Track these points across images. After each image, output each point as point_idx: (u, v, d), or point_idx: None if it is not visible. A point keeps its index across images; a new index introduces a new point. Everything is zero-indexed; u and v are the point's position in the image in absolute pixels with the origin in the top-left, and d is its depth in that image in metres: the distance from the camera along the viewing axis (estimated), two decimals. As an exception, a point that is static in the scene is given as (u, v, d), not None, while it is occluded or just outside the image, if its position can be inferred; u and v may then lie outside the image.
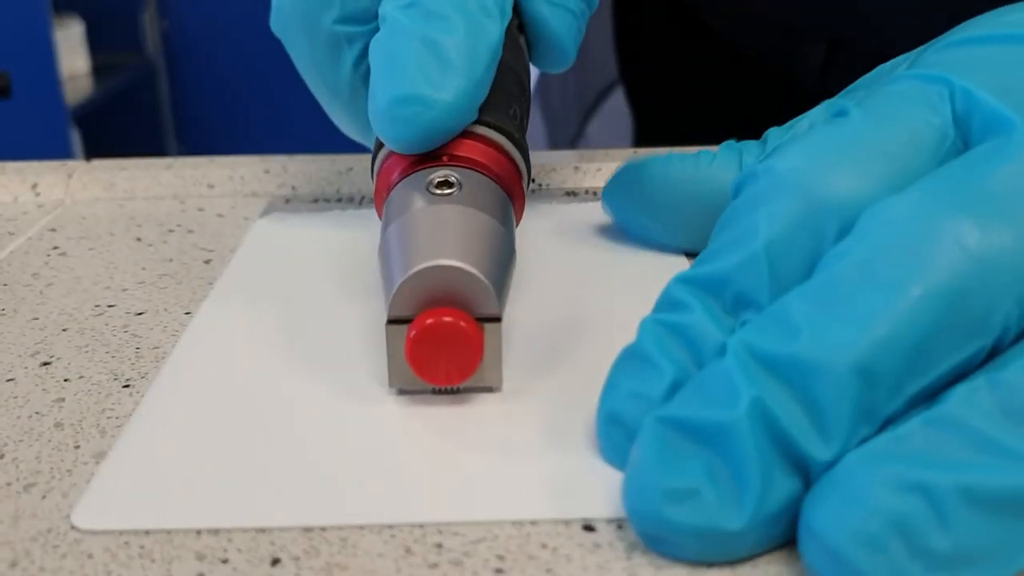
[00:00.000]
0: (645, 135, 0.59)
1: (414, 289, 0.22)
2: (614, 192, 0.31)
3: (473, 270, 0.22)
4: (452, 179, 0.24)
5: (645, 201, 0.30)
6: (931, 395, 0.18)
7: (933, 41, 0.24)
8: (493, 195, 0.24)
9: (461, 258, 0.22)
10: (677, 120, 0.56)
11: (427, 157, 0.25)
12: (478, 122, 0.25)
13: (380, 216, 0.26)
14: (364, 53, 0.28)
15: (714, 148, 0.30)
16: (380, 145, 0.27)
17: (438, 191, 0.24)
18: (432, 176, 0.24)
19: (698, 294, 0.20)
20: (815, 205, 0.20)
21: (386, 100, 0.24)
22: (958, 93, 0.21)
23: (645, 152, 0.39)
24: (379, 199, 0.26)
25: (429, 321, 0.21)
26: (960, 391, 0.17)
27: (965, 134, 0.21)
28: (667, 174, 0.29)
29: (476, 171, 0.25)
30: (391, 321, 0.22)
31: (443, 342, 0.21)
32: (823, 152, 0.20)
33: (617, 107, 0.62)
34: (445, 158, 0.25)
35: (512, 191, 0.26)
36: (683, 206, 0.29)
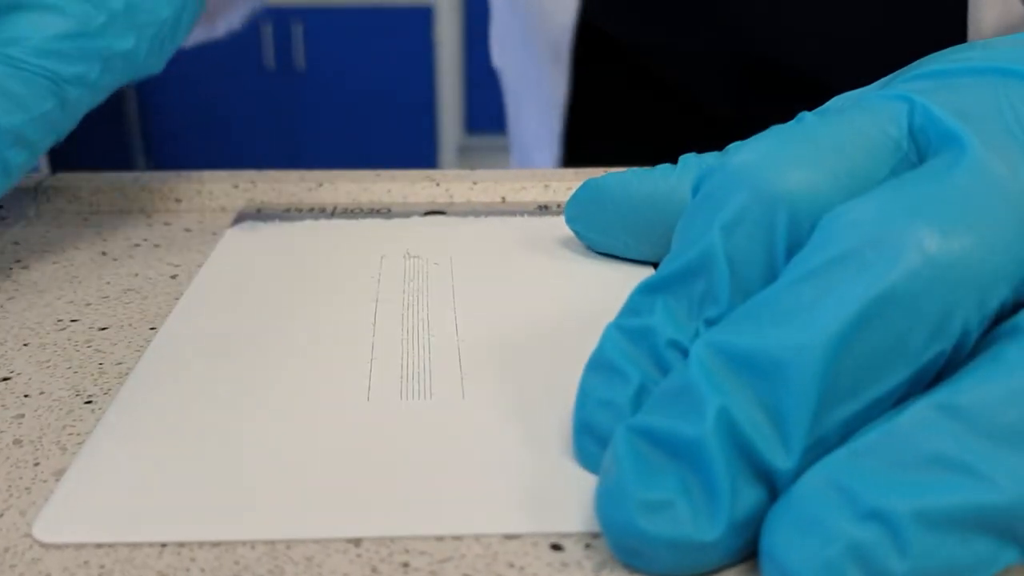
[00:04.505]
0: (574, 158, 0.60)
1: None
2: (576, 211, 0.31)
3: None
4: None
5: (608, 219, 0.30)
6: (894, 402, 0.18)
7: (898, 72, 0.25)
8: None
9: None
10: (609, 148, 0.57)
11: None
12: None
13: None
14: None
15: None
16: None
17: None
18: None
19: (660, 297, 0.21)
20: (767, 199, 0.20)
21: None
22: (917, 108, 0.21)
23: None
24: None
25: None
26: (918, 405, 0.17)
27: (920, 147, 0.21)
28: (628, 191, 0.30)
29: None
30: None
31: None
32: (776, 148, 0.21)
33: None
34: None
35: None
36: (645, 221, 0.29)
